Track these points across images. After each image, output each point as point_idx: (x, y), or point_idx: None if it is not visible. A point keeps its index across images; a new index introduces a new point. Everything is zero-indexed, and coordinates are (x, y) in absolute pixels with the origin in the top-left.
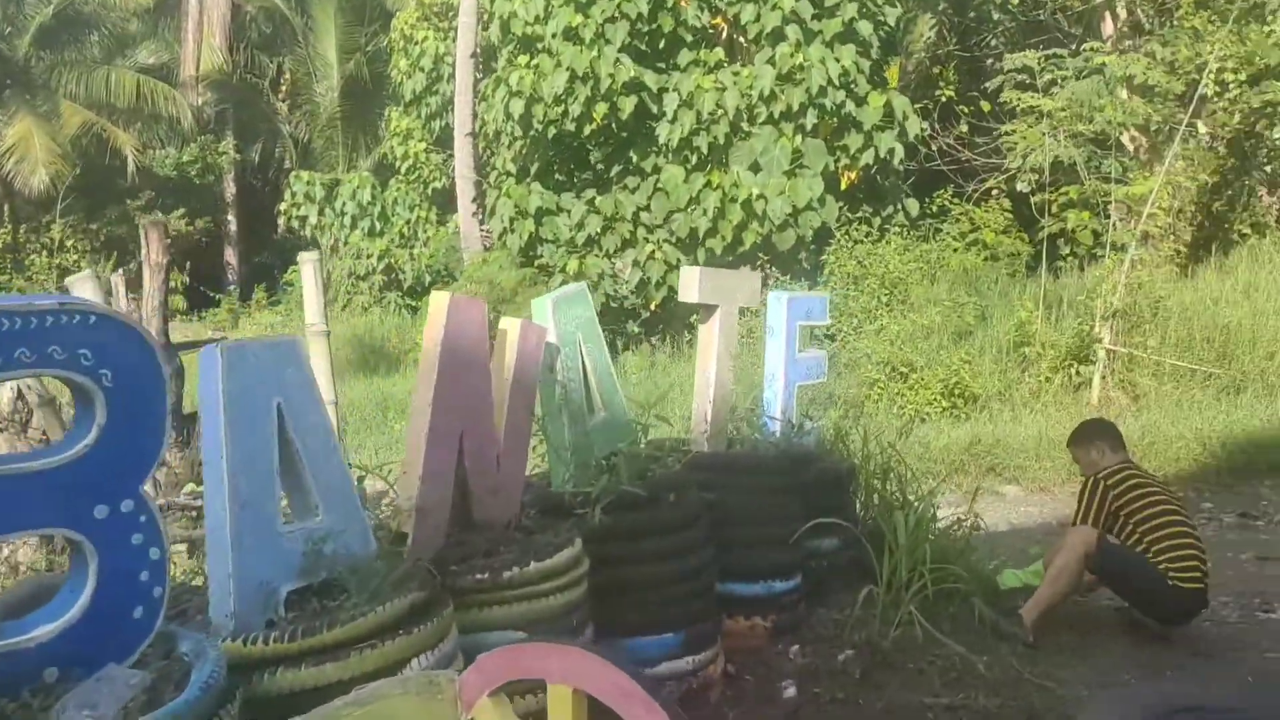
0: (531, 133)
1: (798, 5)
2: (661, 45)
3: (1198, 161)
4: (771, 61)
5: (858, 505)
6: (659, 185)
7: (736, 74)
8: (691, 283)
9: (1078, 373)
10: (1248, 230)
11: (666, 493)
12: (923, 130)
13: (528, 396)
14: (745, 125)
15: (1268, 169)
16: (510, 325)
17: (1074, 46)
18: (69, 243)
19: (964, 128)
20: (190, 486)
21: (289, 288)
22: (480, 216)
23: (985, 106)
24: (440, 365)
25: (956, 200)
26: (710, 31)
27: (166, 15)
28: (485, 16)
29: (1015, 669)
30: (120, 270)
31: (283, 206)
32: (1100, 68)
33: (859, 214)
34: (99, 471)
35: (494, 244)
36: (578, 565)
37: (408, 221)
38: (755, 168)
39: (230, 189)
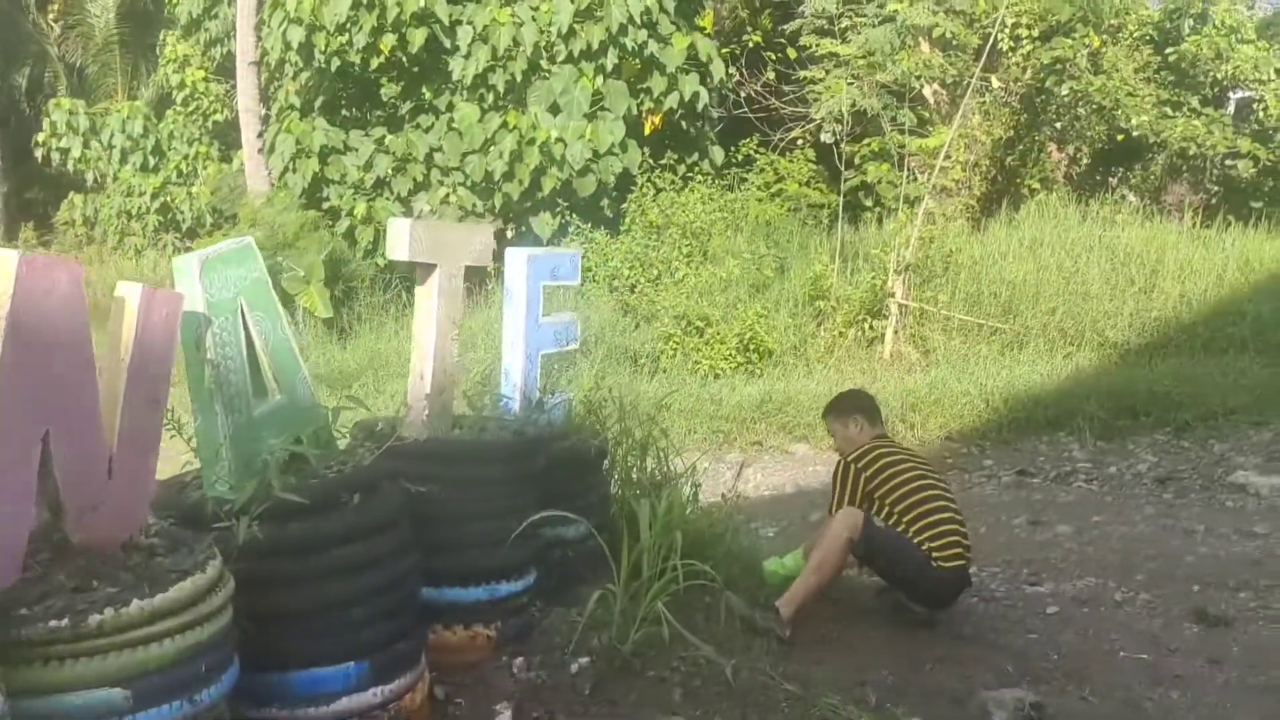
0: (315, 64)
1: None
2: None
3: (992, 116)
4: None
5: (614, 486)
6: (453, 124)
7: (535, 8)
8: (401, 237)
9: (871, 327)
10: (1037, 185)
11: (349, 493)
12: (729, 76)
13: (154, 383)
14: (544, 64)
15: (1057, 125)
16: (129, 293)
17: None
18: None
19: (770, 74)
20: None
21: (65, 228)
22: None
23: (791, 54)
24: (7, 349)
25: (762, 150)
26: None
27: None
28: None
29: (766, 673)
30: None
31: (40, 137)
32: (893, 15)
33: (663, 161)
34: None
35: (276, 184)
36: (211, 595)
37: (186, 157)
38: (555, 109)
39: None
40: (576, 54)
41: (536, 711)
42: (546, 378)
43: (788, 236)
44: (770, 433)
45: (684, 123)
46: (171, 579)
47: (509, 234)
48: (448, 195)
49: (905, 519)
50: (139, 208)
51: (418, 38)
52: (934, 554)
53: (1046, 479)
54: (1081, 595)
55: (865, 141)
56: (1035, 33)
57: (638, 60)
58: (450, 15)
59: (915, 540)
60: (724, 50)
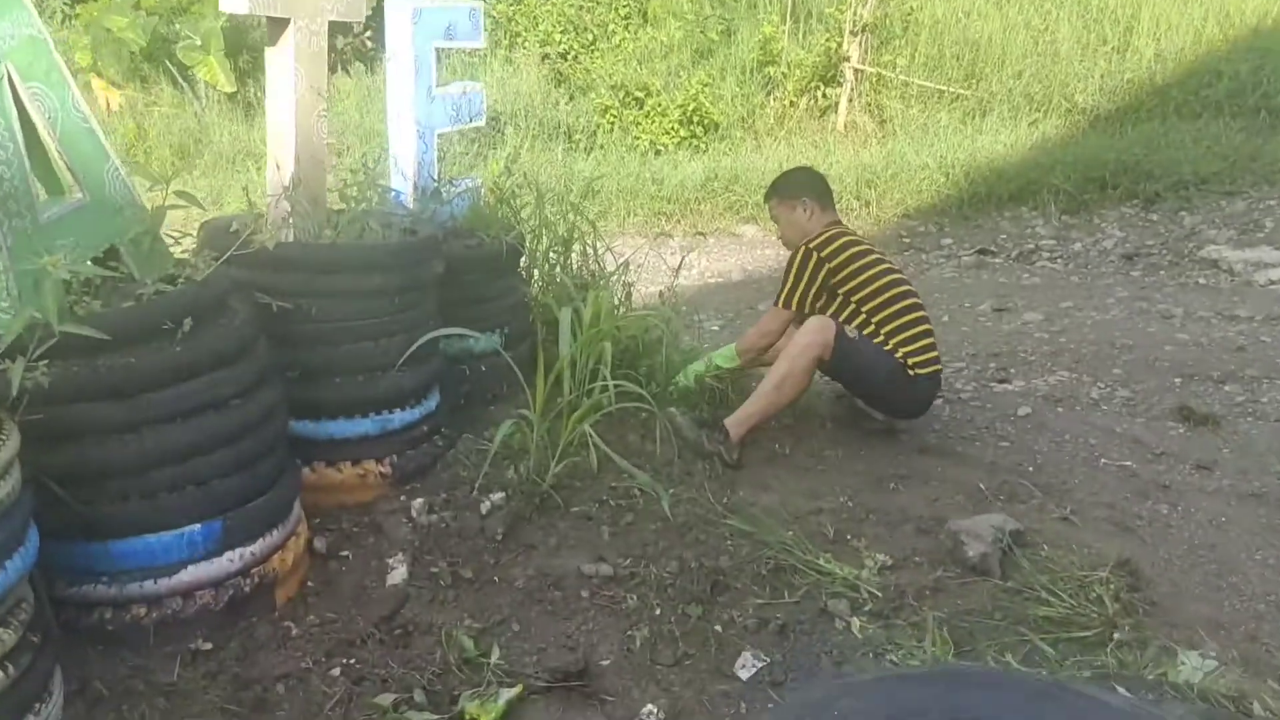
0: None
1: None
2: None
3: None
4: None
5: (535, 289)
6: None
7: None
8: None
9: (824, 95)
10: None
11: (178, 317)
12: None
13: None
14: None
15: None
16: None
17: None
18: None
19: None
20: None
21: None
22: None
23: None
24: None
25: None
26: None
27: None
28: None
29: (709, 503)
30: None
31: None
32: None
33: None
34: None
35: None
36: None
37: None
38: None
39: None
40: None
41: (437, 563)
42: (448, 163)
43: None
44: (716, 214)
45: None
46: None
47: None
48: None
49: (875, 320)
50: None
51: None
52: (910, 361)
53: (1009, 258)
54: (1055, 393)
55: None
56: None
57: None
58: None
59: (889, 348)
60: None
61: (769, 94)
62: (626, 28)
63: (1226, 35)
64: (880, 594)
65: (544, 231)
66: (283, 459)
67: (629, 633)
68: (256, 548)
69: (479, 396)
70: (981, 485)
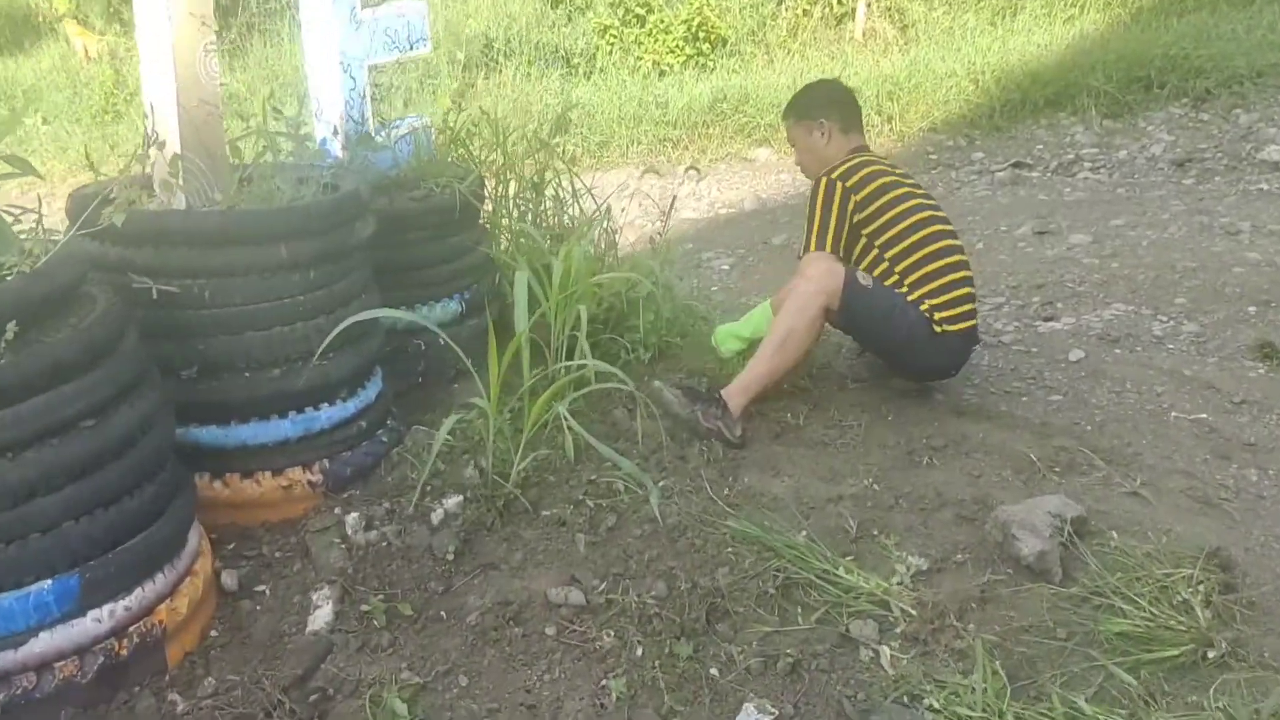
0: None
1: None
2: None
3: None
4: None
5: (503, 244)
6: None
7: None
8: None
9: (840, 2)
10: None
11: (1, 321)
12: None
13: None
14: None
15: None
16: None
17: None
18: None
19: None
20: None
21: None
22: None
23: None
24: None
25: None
26: None
27: None
28: None
29: (707, 495)
30: None
31: None
32: None
33: None
34: None
35: None
36: None
37: None
38: None
39: None
40: None
41: (371, 598)
42: (421, 99)
43: None
44: (726, 137)
45: None
46: None
47: None
48: None
49: (899, 268)
50: None
51: None
52: (937, 316)
53: (1047, 170)
54: (1111, 331)
55: None
56: None
57: None
58: None
59: (913, 299)
60: None
61: (779, 2)
62: None
63: None
64: (915, 612)
65: (509, 175)
66: (168, 483)
67: (603, 683)
68: (132, 600)
69: (438, 375)
70: (1033, 455)
